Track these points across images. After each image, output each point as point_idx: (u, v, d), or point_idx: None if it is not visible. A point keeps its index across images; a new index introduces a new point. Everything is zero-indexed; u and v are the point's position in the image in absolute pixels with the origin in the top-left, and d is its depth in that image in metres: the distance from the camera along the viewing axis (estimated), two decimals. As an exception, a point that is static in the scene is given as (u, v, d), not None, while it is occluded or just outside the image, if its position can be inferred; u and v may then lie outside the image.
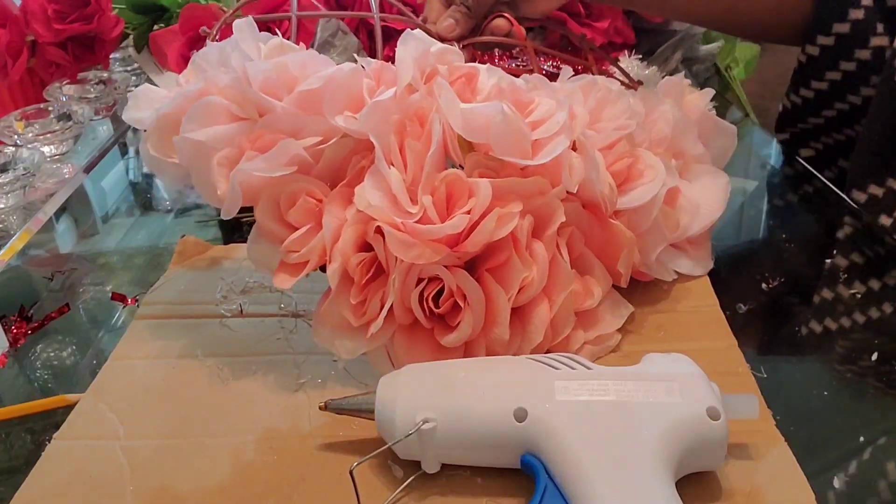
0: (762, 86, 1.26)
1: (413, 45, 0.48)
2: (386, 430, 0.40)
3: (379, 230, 0.44)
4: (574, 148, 0.49)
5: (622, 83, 0.57)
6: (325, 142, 0.47)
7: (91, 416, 0.47)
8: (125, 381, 0.49)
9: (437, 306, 0.46)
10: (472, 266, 0.47)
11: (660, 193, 0.50)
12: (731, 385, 0.43)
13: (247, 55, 0.48)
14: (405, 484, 0.40)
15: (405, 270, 0.45)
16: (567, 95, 0.50)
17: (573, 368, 0.41)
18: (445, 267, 0.45)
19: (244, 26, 0.49)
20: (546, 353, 0.47)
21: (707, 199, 0.55)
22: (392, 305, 0.45)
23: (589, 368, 0.41)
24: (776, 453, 0.41)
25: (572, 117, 0.49)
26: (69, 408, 0.47)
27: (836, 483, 0.40)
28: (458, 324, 0.45)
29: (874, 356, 0.49)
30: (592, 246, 0.50)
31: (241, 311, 0.54)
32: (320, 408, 0.42)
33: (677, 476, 0.37)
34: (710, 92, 0.61)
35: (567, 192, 0.48)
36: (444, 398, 0.39)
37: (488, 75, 0.51)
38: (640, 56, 0.77)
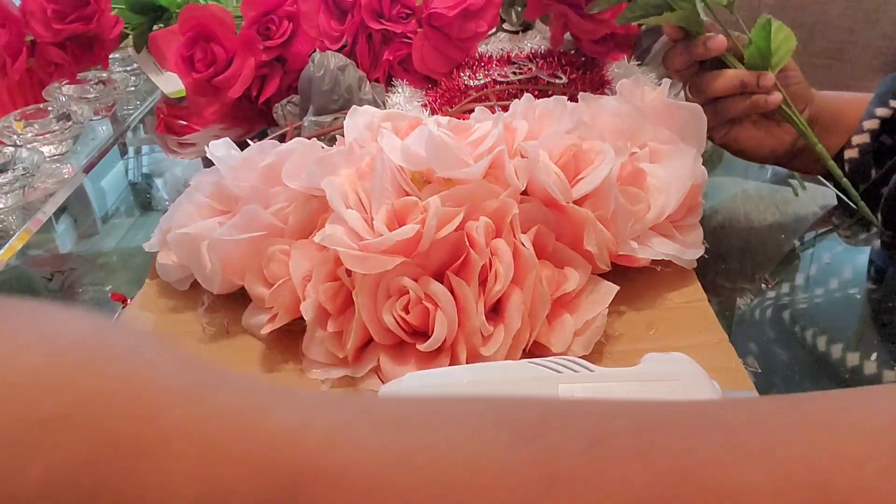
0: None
1: (360, 115, 0.58)
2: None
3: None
4: (522, 156, 0.53)
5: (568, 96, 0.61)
6: (289, 205, 0.54)
7: None
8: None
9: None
10: (440, 278, 0.49)
11: (612, 172, 0.52)
12: (725, 380, 0.43)
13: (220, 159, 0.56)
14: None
15: (369, 287, 0.47)
16: (501, 115, 0.55)
17: (576, 371, 0.41)
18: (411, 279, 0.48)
19: (221, 144, 0.58)
20: (535, 344, 0.48)
21: (678, 175, 0.56)
22: (371, 328, 0.48)
23: (591, 371, 0.41)
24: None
25: (511, 131, 0.55)
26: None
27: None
28: (433, 326, 0.46)
29: (873, 356, 0.49)
30: (564, 239, 0.52)
31: (227, 330, 0.54)
32: None
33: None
34: (666, 83, 0.63)
35: (526, 193, 0.52)
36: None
37: (432, 120, 0.56)
38: (639, 62, 0.77)
